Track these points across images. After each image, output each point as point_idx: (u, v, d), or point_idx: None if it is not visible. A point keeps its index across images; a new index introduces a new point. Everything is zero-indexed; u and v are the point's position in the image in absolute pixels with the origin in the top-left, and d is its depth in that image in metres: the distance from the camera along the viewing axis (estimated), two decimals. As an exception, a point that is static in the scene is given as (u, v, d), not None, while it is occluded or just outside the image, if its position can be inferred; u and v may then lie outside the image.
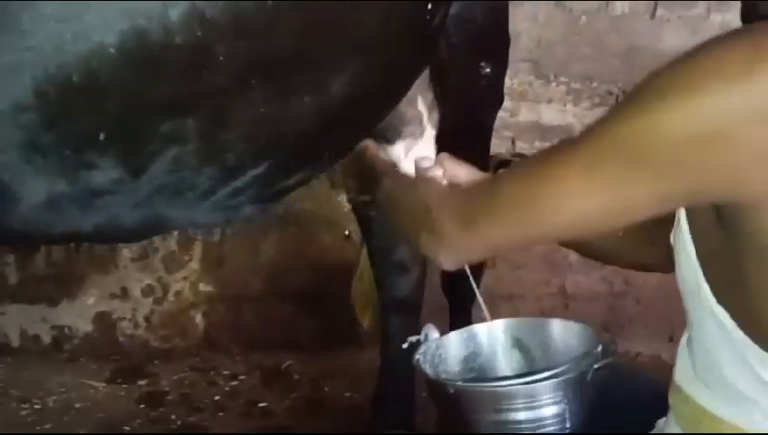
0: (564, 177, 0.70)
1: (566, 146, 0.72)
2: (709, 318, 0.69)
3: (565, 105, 2.53)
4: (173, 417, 2.10)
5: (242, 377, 2.36)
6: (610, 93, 2.52)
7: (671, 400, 0.79)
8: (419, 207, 0.86)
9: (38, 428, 2.04)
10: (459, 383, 0.91)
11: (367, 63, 0.87)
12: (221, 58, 0.72)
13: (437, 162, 1.05)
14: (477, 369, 0.99)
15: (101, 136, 0.71)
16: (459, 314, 1.88)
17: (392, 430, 1.76)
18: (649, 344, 2.50)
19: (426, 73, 1.19)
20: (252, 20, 0.72)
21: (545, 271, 2.60)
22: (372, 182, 1.08)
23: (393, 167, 1.05)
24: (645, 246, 0.92)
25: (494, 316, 1.04)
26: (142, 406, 2.17)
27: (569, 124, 2.51)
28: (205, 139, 0.79)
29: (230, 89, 0.75)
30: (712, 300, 0.69)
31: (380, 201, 0.97)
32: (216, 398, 2.23)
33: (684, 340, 0.79)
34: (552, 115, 2.51)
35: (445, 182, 1.06)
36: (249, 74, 0.76)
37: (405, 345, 0.95)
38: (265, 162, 0.88)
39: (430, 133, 1.27)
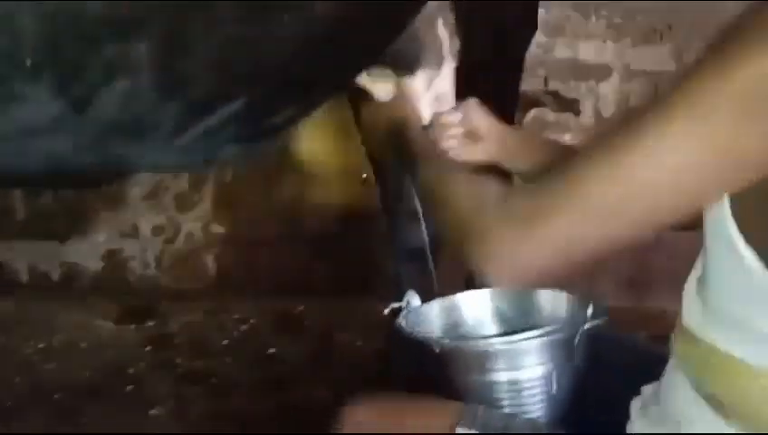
0: (663, 136, 0.56)
1: (655, 103, 0.58)
2: (731, 257, 0.61)
3: (605, 41, 2.34)
4: (179, 361, 2.06)
5: (252, 321, 2.32)
6: (655, 30, 2.31)
7: (676, 346, 0.71)
8: (472, 209, 0.67)
9: (42, 367, 2.02)
10: (447, 341, 0.90)
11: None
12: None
13: (459, 107, 0.92)
14: (458, 339, 0.97)
15: (27, 62, 0.59)
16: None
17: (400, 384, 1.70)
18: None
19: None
20: None
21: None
22: (402, 149, 0.96)
23: (432, 145, 0.90)
24: None
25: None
26: (148, 348, 2.13)
27: (608, 63, 2.34)
28: (159, 67, 0.66)
29: (190, 3, 0.62)
30: (739, 240, 0.60)
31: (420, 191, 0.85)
32: (225, 342, 2.19)
33: (692, 282, 0.69)
34: (589, 52, 2.34)
35: (460, 131, 0.95)
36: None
37: (386, 311, 0.89)
38: (241, 97, 0.75)
39: (450, 65, 1.11)
